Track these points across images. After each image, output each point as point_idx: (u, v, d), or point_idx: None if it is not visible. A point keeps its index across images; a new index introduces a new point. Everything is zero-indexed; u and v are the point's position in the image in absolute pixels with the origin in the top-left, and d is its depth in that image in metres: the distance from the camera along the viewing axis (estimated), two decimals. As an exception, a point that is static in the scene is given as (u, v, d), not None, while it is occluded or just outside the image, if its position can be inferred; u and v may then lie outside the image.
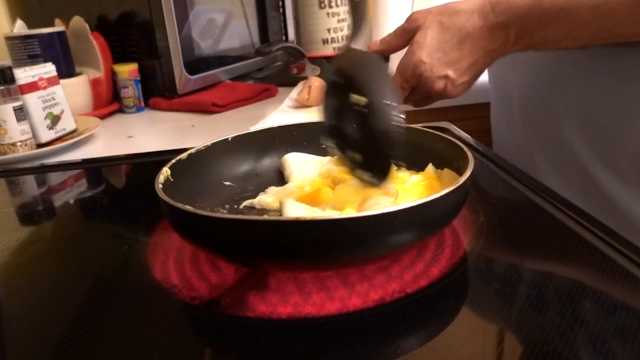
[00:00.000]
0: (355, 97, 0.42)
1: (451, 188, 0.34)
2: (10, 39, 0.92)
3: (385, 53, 0.60)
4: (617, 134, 0.57)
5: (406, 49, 0.58)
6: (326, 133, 0.46)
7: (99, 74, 1.00)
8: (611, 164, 0.58)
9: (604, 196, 0.59)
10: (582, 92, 0.59)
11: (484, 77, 1.04)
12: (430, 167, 0.48)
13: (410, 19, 0.57)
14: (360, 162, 0.44)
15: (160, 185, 0.40)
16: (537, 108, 0.66)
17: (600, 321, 0.31)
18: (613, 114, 0.57)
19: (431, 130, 0.50)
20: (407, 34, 0.57)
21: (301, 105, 0.94)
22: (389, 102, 0.41)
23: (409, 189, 0.44)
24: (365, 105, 0.41)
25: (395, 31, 0.59)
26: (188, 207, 0.35)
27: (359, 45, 0.49)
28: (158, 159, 0.68)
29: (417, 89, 0.58)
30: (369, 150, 0.43)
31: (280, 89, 1.10)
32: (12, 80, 0.74)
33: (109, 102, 1.03)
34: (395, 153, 0.41)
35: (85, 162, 0.74)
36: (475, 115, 1.07)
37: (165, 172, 0.43)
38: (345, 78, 0.44)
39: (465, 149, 0.42)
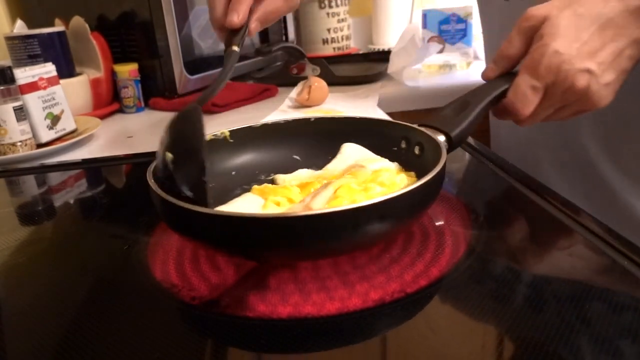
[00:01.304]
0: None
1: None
2: (10, 39, 0.92)
3: (507, 69, 0.50)
4: (624, 130, 0.56)
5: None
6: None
7: (99, 74, 1.00)
8: (617, 161, 0.58)
9: (608, 193, 0.59)
10: None
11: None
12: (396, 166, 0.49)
13: (527, 17, 0.48)
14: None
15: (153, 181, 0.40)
16: None
17: (601, 321, 0.31)
18: (620, 110, 0.56)
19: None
20: (527, 34, 0.48)
21: (301, 105, 0.94)
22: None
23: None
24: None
25: (509, 39, 0.49)
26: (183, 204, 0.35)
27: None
28: (158, 159, 0.68)
29: (553, 90, 0.46)
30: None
31: (280, 89, 1.10)
32: (12, 80, 0.74)
33: (109, 102, 1.03)
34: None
35: (85, 162, 0.74)
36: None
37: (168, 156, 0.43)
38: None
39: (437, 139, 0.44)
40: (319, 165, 0.52)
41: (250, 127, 0.54)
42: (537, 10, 0.47)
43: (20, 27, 0.95)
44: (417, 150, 0.48)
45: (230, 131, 0.53)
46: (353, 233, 0.34)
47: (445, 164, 0.39)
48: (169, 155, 0.41)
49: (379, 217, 0.34)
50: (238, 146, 0.53)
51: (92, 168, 0.71)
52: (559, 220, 0.44)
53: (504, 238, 0.43)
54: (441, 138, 0.45)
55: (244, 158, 0.54)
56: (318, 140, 0.54)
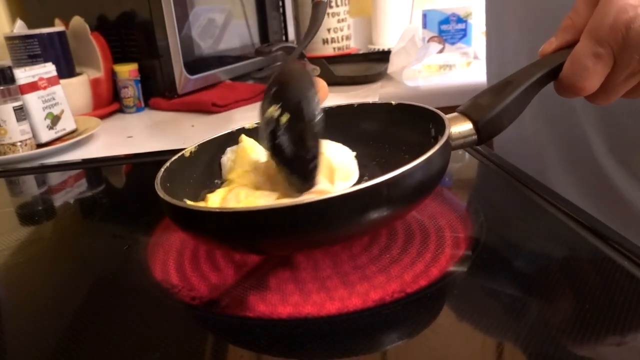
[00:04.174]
0: (270, 110, 0.42)
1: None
2: (10, 39, 0.92)
3: (569, 42, 0.41)
4: (635, 131, 0.56)
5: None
6: (263, 138, 0.44)
7: (99, 74, 1.00)
8: (627, 162, 0.57)
9: (616, 194, 0.58)
10: None
11: (483, 78, 1.03)
12: None
13: None
14: (288, 168, 0.43)
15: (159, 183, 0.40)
16: (551, 103, 0.63)
17: (601, 321, 0.31)
18: (631, 110, 0.55)
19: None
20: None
21: (301, 105, 0.93)
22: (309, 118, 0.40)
23: None
24: (278, 120, 0.41)
25: (574, 7, 0.41)
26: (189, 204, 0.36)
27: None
28: (158, 159, 0.68)
29: (625, 55, 0.37)
30: (293, 159, 0.43)
31: (280, 89, 1.10)
32: (12, 80, 0.74)
33: (109, 102, 1.03)
34: (313, 164, 0.40)
35: (85, 162, 0.74)
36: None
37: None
38: (275, 89, 0.44)
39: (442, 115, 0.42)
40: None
41: None
42: None
43: (20, 27, 0.95)
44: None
45: None
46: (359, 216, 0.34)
47: (443, 147, 0.37)
48: (284, 116, 0.41)
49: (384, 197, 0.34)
50: None
51: (92, 168, 0.71)
52: (560, 220, 0.44)
53: (503, 238, 0.43)
54: (466, 126, 0.40)
55: None
56: (356, 125, 0.53)
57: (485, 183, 0.54)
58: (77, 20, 0.99)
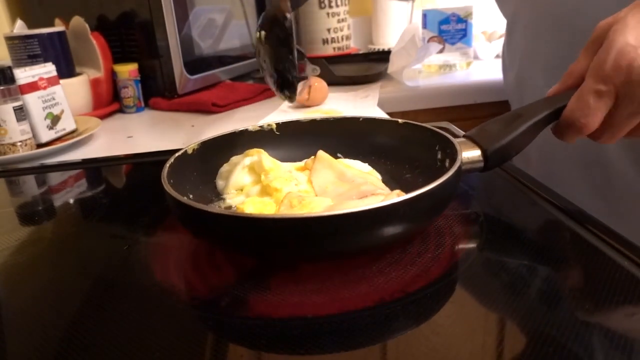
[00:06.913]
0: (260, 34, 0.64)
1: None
2: (10, 39, 0.92)
3: (573, 86, 0.42)
4: None
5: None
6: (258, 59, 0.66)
7: (99, 74, 1.00)
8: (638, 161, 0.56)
9: (630, 195, 0.58)
10: None
11: (488, 77, 1.04)
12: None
13: (595, 30, 0.42)
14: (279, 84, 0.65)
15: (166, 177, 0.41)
16: None
17: (600, 322, 0.31)
18: None
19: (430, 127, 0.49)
20: (595, 45, 0.41)
21: (301, 105, 0.94)
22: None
23: None
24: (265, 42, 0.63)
25: (578, 57, 0.43)
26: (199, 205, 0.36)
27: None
28: (158, 159, 0.68)
29: (627, 92, 0.38)
30: (281, 76, 0.65)
31: (280, 89, 1.10)
32: (12, 80, 0.74)
33: (109, 102, 1.03)
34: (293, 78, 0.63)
35: (85, 162, 0.74)
36: (475, 115, 1.07)
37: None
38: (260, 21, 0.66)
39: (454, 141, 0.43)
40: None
41: (297, 121, 0.56)
42: (605, 20, 0.41)
43: (20, 27, 0.95)
44: (447, 164, 0.44)
45: (277, 124, 0.55)
46: (372, 233, 0.35)
47: (455, 174, 0.38)
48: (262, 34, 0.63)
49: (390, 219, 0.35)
50: (283, 138, 0.55)
51: (92, 168, 0.71)
52: (560, 220, 0.44)
53: (503, 238, 0.43)
54: (475, 153, 0.41)
55: (287, 150, 0.54)
56: (360, 139, 0.54)
57: (485, 183, 0.54)
58: (77, 20, 0.99)
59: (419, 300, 0.34)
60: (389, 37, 1.48)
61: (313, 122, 0.55)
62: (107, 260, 0.44)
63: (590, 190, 0.62)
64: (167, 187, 0.39)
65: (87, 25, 0.98)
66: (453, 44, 1.23)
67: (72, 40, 0.99)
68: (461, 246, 0.41)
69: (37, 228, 0.54)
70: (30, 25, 0.97)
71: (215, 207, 0.46)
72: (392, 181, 0.49)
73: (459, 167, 0.39)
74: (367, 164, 0.51)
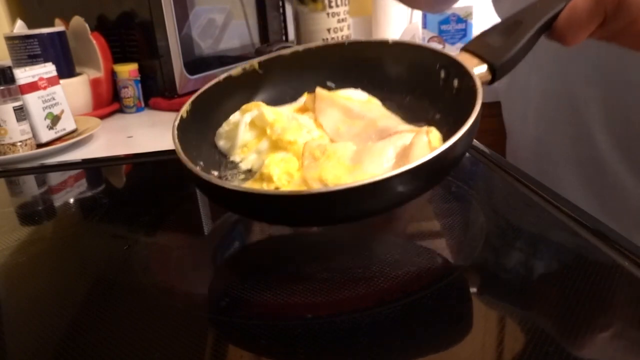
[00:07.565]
0: None
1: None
2: (10, 39, 0.92)
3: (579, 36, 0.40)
4: (637, 128, 0.56)
5: None
6: None
7: (99, 74, 1.00)
8: (633, 160, 0.57)
9: (622, 193, 0.58)
10: (607, 85, 0.57)
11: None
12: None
13: None
14: None
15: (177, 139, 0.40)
16: (557, 101, 0.64)
17: (601, 322, 0.31)
18: (638, 105, 0.55)
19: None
20: None
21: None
22: None
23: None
24: None
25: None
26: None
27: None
28: (158, 159, 0.68)
29: (613, 17, 0.38)
30: None
31: (280, 89, 1.10)
32: (12, 80, 0.74)
33: (109, 102, 1.03)
34: None
35: (85, 162, 0.74)
36: (475, 115, 1.06)
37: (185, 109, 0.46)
38: None
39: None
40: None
41: (280, 56, 0.51)
42: None
43: (20, 27, 0.95)
44: (456, 83, 0.41)
45: (259, 62, 0.50)
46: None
47: (479, 112, 0.35)
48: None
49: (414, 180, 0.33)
50: (268, 77, 0.51)
51: (92, 168, 0.71)
52: (560, 220, 0.44)
53: (503, 238, 0.43)
54: (482, 68, 0.39)
55: (276, 89, 0.51)
56: (353, 66, 0.50)
57: (485, 183, 0.54)
58: (77, 20, 0.99)
59: (419, 300, 0.34)
60: (388, 37, 1.48)
61: (296, 54, 0.50)
62: (107, 260, 0.44)
63: (583, 188, 0.62)
64: (196, 171, 0.36)
65: (87, 25, 0.98)
66: (453, 44, 1.23)
67: (72, 40, 0.99)
68: (461, 246, 0.41)
69: (37, 228, 0.54)
70: (30, 25, 0.97)
71: (242, 182, 0.43)
72: (394, 107, 0.46)
73: (482, 87, 0.37)
74: (360, 90, 0.47)
